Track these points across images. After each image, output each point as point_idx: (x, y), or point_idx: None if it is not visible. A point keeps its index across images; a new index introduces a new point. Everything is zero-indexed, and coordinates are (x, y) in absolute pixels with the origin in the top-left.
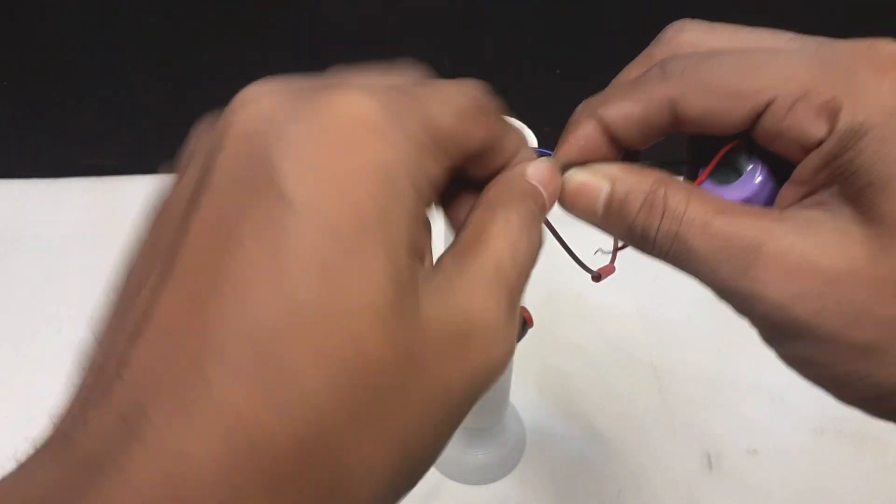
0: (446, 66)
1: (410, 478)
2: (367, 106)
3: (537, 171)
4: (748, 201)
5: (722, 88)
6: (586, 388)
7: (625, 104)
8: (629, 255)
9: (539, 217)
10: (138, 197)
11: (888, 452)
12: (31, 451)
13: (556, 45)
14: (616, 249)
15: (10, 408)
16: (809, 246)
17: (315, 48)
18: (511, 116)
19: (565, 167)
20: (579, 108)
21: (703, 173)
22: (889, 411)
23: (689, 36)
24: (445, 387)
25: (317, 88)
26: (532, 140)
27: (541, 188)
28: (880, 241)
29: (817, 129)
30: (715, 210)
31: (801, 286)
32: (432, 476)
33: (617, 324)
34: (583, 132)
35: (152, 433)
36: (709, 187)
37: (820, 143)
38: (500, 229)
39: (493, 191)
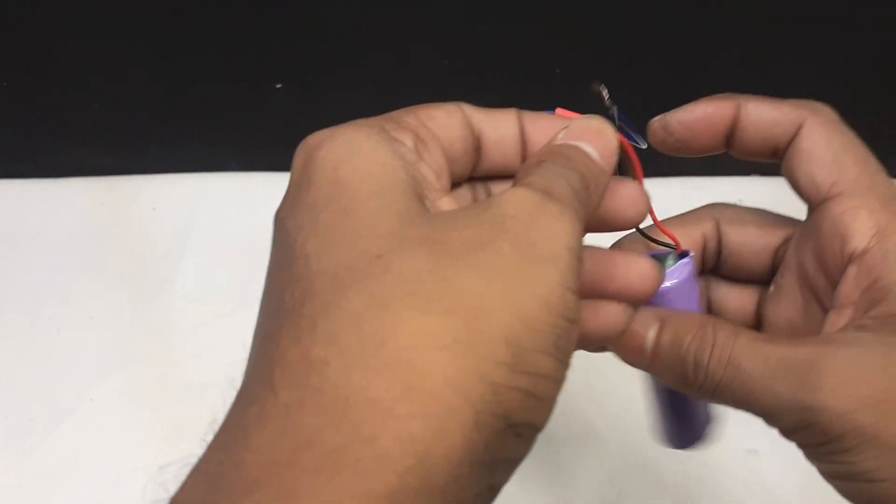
0: (445, 65)
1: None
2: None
3: (575, 130)
4: (669, 287)
5: (833, 156)
6: (587, 388)
7: (765, 104)
8: None
9: (588, 168)
10: (139, 197)
11: None
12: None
13: (556, 43)
14: None
15: (9, 407)
16: (866, 357)
17: (315, 46)
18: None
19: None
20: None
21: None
22: None
23: None
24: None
25: None
26: None
27: (581, 145)
28: None
29: (862, 238)
30: (763, 339)
31: (865, 392)
32: None
33: None
34: (716, 103)
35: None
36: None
37: (852, 254)
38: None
39: (523, 166)
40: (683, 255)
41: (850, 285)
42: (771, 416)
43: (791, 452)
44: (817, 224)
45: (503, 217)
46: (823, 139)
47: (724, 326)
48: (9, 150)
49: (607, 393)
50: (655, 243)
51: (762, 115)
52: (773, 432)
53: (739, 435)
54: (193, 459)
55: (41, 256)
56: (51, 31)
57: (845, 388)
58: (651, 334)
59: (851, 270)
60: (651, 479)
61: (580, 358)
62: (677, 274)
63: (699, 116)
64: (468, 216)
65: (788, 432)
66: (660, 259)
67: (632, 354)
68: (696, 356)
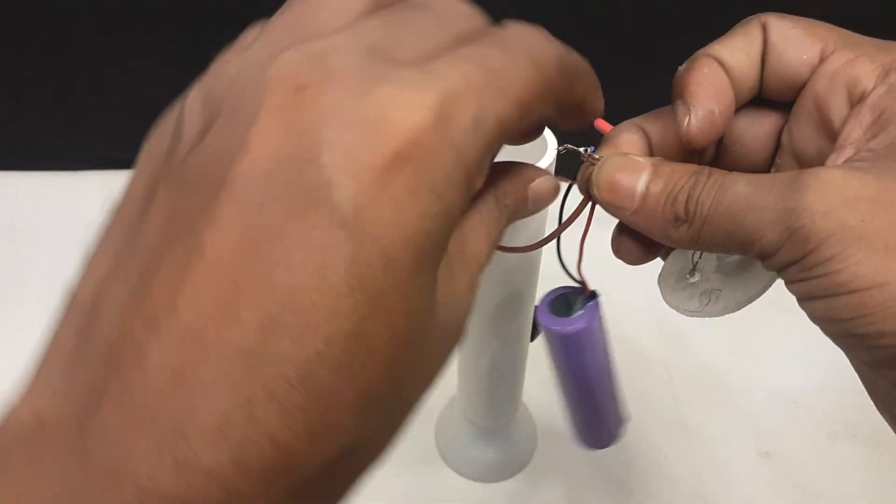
0: None
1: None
2: (421, 119)
3: (541, 185)
4: (579, 331)
5: (806, 26)
6: None
7: (724, 39)
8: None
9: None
10: None
11: None
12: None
13: (575, 41)
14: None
15: None
16: (854, 170)
17: None
18: None
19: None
20: (681, 68)
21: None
22: None
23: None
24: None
25: (370, 78)
26: (552, 143)
27: (531, 195)
28: None
29: (868, 79)
30: (755, 174)
31: (848, 192)
32: (443, 472)
33: (630, 324)
34: (705, 72)
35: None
36: (546, 316)
37: (864, 96)
38: (486, 232)
39: (503, 185)
40: (592, 296)
41: (852, 125)
42: (752, 238)
43: (803, 455)
44: (813, 90)
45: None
46: (787, 25)
47: (718, 169)
48: (29, 142)
49: None
50: (570, 278)
51: (736, 49)
52: (786, 435)
53: (751, 437)
54: None
55: (57, 249)
56: (72, 23)
57: (830, 189)
58: (644, 176)
59: (854, 112)
60: (663, 479)
61: None
62: (586, 318)
63: (711, 84)
64: (444, 313)
65: (772, 252)
66: (569, 299)
67: (620, 198)
68: (689, 190)
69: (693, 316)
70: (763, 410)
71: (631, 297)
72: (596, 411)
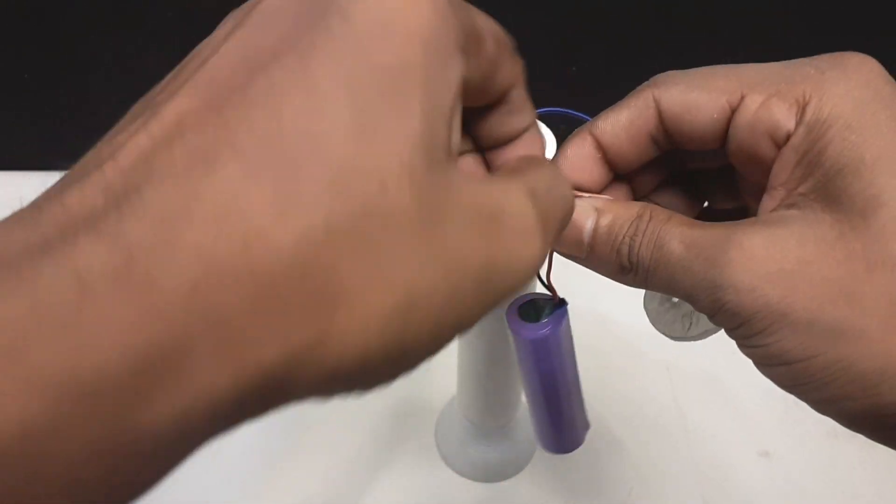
0: None
1: (406, 341)
2: None
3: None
4: (545, 337)
5: (702, 84)
6: (599, 388)
7: (612, 112)
8: None
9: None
10: None
11: None
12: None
13: (572, 41)
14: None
15: None
16: (778, 233)
17: None
18: None
19: None
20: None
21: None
22: (872, 414)
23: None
24: (462, 260)
25: None
26: (552, 144)
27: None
28: (850, 221)
29: (788, 121)
30: (690, 222)
31: (770, 267)
32: (443, 472)
33: (631, 324)
34: (573, 148)
35: (141, 209)
36: (513, 321)
37: (789, 137)
38: (541, 169)
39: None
40: (560, 304)
41: (778, 167)
42: (691, 298)
43: (803, 455)
44: (737, 142)
45: (501, 221)
46: (682, 91)
47: (659, 212)
48: (30, 142)
49: (619, 393)
50: (544, 286)
51: (616, 123)
52: (786, 435)
53: (751, 437)
54: None
55: None
56: (72, 23)
57: (753, 264)
58: (589, 224)
59: (779, 154)
60: (662, 480)
61: (592, 358)
62: (552, 324)
63: (572, 163)
64: (480, 193)
65: (711, 316)
66: (538, 305)
67: (570, 246)
68: (631, 240)
69: (679, 341)
70: (763, 410)
71: (632, 297)
72: (559, 416)
